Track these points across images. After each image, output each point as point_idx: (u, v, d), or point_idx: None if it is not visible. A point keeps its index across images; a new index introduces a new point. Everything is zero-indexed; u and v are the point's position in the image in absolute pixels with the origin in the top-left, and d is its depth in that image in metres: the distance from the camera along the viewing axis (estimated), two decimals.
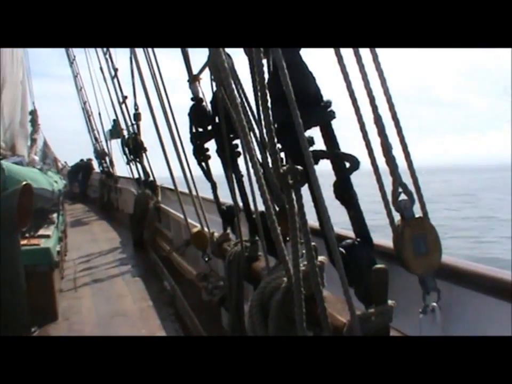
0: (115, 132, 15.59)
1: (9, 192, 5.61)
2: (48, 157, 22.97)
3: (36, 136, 22.75)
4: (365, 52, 1.87)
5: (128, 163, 11.72)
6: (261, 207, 2.92)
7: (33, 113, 23.40)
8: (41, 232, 6.82)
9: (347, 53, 1.89)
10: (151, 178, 10.07)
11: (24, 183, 5.80)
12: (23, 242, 5.80)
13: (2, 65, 13.10)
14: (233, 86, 2.15)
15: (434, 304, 1.99)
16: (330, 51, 1.92)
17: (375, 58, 1.88)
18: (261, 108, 1.93)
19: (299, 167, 1.88)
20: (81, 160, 24.30)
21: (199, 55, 3.87)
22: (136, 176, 11.14)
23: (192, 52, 4.15)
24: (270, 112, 1.90)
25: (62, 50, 21.25)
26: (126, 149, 11.48)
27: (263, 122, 2.00)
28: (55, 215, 8.46)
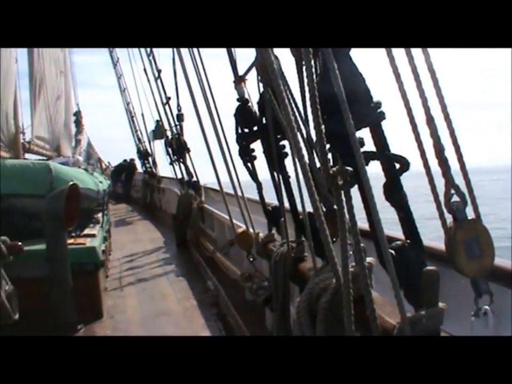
0: (158, 132, 15.76)
1: (57, 192, 5.71)
2: (92, 157, 23.28)
3: (80, 137, 23.11)
4: (417, 52, 1.85)
5: (171, 163, 11.82)
6: (308, 208, 2.92)
7: (77, 114, 23.80)
8: (86, 231, 6.93)
9: (398, 53, 1.88)
10: (195, 178, 10.14)
11: (71, 183, 5.91)
12: (70, 241, 5.89)
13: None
14: (282, 87, 2.15)
15: (487, 307, 1.96)
16: (380, 51, 1.90)
17: (427, 58, 1.86)
18: (310, 109, 1.92)
19: (349, 168, 1.87)
20: (125, 160, 24.53)
21: (244, 57, 3.89)
22: (179, 176, 11.23)
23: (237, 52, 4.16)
24: (319, 113, 1.89)
25: (107, 58, 21.58)
26: (170, 149, 11.59)
27: (311, 123, 1.99)
28: (100, 215, 8.58)
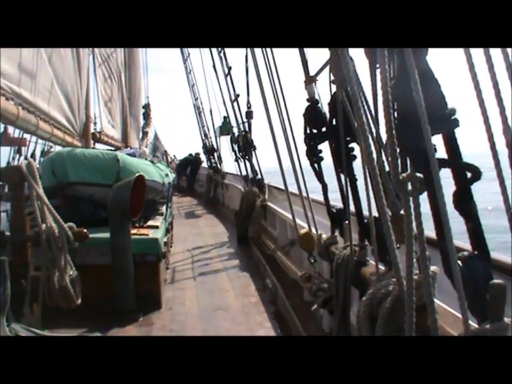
0: (225, 128, 15.91)
1: (123, 182, 5.83)
2: (158, 150, 23.67)
3: (148, 129, 23.56)
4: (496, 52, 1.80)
5: (236, 160, 11.91)
6: (373, 213, 2.90)
7: (147, 107, 24.27)
8: (150, 223, 7.05)
9: (475, 53, 1.83)
10: (259, 176, 10.18)
11: (137, 174, 6.02)
12: (133, 231, 6.00)
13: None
14: (356, 88, 2.14)
15: None
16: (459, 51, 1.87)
17: (506, 58, 1.80)
18: (383, 112, 1.91)
19: (420, 174, 1.85)
20: (190, 154, 24.85)
21: (316, 57, 3.88)
22: (243, 173, 11.30)
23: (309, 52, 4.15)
24: (392, 117, 1.88)
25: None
26: (235, 146, 11.67)
27: (383, 127, 1.97)
28: (164, 207, 8.71)
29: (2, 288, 3.58)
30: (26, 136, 8.84)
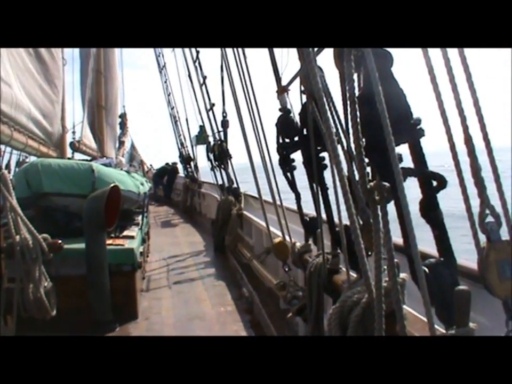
0: (201, 137, 15.91)
1: (98, 193, 5.82)
2: (135, 159, 23.58)
3: (124, 139, 23.46)
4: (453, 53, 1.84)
5: (212, 169, 11.92)
6: (345, 221, 2.93)
7: (123, 116, 24.16)
8: (126, 233, 7.04)
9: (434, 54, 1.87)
10: (235, 185, 10.20)
11: (112, 185, 6.01)
12: (109, 242, 5.99)
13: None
14: (324, 99, 2.17)
15: None
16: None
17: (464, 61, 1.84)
18: (350, 123, 1.94)
19: (386, 183, 1.89)
20: (167, 164, 24.82)
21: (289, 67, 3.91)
22: (219, 182, 11.31)
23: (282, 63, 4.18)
24: (359, 127, 1.91)
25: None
26: (211, 155, 11.69)
27: (351, 137, 2.00)
28: (139, 217, 8.70)
29: None
30: (1, 146, 8.76)
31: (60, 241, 4.35)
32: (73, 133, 13.13)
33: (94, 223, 5.56)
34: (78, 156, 13.08)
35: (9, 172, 6.83)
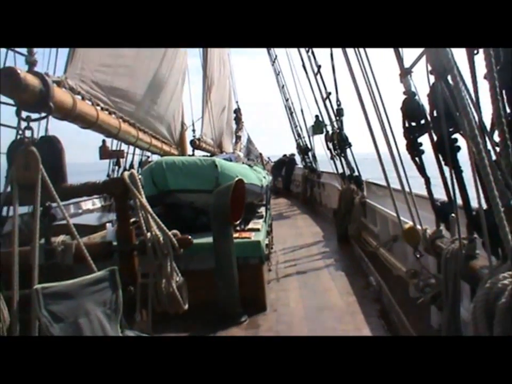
0: (319, 127, 15.87)
1: (223, 187, 5.90)
2: (252, 153, 23.88)
3: (240, 133, 23.84)
4: None
5: (332, 158, 11.83)
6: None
7: (237, 111, 24.57)
8: (251, 226, 7.11)
9: None
10: (356, 173, 10.07)
11: (236, 179, 6.08)
12: (235, 235, 6.06)
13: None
14: (458, 77, 2.08)
15: None
16: None
17: None
18: (491, 99, 1.84)
19: None
20: (284, 155, 24.97)
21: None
22: (340, 171, 11.20)
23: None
24: (500, 104, 1.81)
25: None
26: (330, 144, 11.59)
27: (490, 116, 1.90)
28: (263, 209, 8.77)
29: (115, 296, 3.69)
30: (124, 147, 9.12)
31: (189, 237, 4.45)
32: (193, 131, 13.42)
33: (221, 218, 5.65)
34: (197, 153, 13.35)
35: None
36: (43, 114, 4.22)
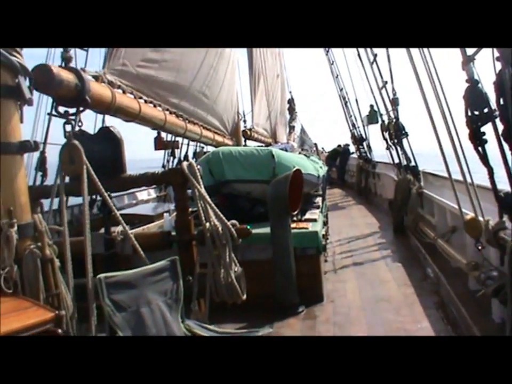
0: (373, 117, 15.71)
1: (281, 177, 5.88)
2: (305, 143, 23.82)
3: (293, 124, 23.81)
4: None
5: (388, 148, 11.68)
6: None
7: (291, 101, 24.53)
8: (308, 216, 7.07)
9: None
10: (413, 163, 9.92)
11: (294, 169, 6.06)
12: (293, 225, 6.03)
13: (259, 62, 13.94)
14: None
15: None
16: None
17: None
18: None
19: None
20: (339, 145, 24.81)
21: None
22: (396, 161, 11.06)
23: None
24: None
25: None
26: (386, 134, 11.45)
27: None
28: (319, 200, 8.72)
29: (176, 286, 3.73)
30: (178, 139, 9.19)
31: (248, 227, 4.45)
32: (244, 121, 13.44)
33: (279, 208, 5.64)
34: (249, 143, 13.38)
35: None
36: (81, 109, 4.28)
